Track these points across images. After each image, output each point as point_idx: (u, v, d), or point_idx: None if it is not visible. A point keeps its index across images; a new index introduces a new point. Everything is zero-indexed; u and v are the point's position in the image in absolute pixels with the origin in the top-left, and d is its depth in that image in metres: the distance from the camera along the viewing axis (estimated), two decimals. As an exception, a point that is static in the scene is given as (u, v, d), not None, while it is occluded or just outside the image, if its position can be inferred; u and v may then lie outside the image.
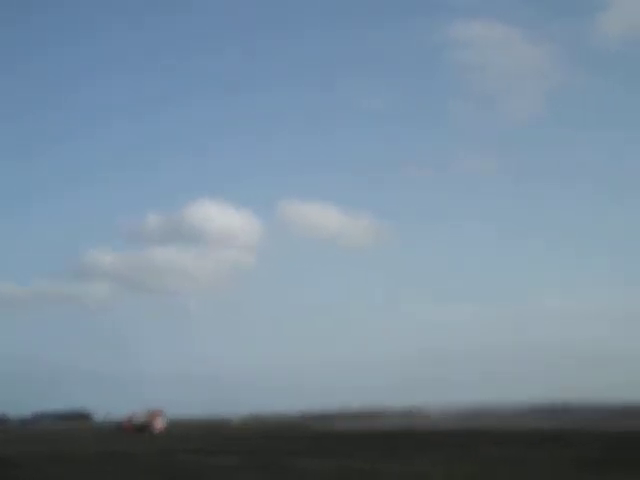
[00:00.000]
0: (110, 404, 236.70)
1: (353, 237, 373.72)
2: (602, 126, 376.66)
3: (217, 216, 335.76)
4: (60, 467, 39.57)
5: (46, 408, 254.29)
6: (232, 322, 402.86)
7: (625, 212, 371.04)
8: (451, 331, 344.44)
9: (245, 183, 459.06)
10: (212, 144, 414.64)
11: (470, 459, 39.02)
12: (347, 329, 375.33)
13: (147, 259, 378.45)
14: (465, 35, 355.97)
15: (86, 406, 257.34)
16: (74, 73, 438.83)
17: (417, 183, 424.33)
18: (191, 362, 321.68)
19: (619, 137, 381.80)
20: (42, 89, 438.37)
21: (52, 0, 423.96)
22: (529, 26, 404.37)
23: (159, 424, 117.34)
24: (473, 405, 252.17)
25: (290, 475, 32.20)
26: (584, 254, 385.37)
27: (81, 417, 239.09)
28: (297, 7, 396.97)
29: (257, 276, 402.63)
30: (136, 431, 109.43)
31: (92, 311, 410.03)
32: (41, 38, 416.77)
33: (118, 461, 47.57)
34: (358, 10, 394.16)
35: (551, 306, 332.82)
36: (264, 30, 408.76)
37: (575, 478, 27.68)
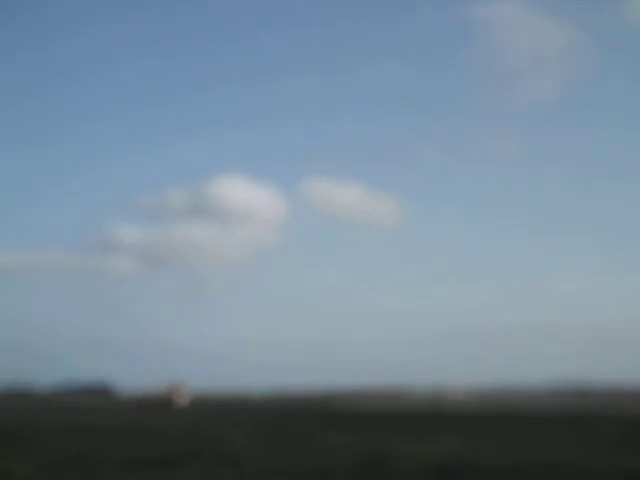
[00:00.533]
0: (133, 377, 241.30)
1: (376, 217, 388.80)
2: (620, 112, 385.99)
3: (241, 193, 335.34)
4: (81, 439, 39.86)
5: (70, 380, 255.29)
6: (254, 299, 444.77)
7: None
8: (471, 312, 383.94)
9: (270, 160, 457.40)
10: (237, 122, 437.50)
11: (492, 439, 39.36)
12: (368, 309, 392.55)
13: (173, 235, 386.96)
14: (489, 15, 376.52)
15: (109, 379, 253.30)
16: (103, 51, 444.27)
17: (437, 166, 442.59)
18: (212, 337, 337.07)
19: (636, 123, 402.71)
20: (69, 68, 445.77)
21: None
22: (553, 9, 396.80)
23: (181, 398, 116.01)
24: (494, 384, 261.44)
25: (315, 449, 32.35)
26: (601, 238, 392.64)
27: (103, 390, 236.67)
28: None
29: (280, 254, 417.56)
30: (160, 406, 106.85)
31: (114, 284, 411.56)
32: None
33: (137, 434, 47.97)
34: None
35: (567, 289, 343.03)
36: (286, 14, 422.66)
37: (602, 459, 27.31)
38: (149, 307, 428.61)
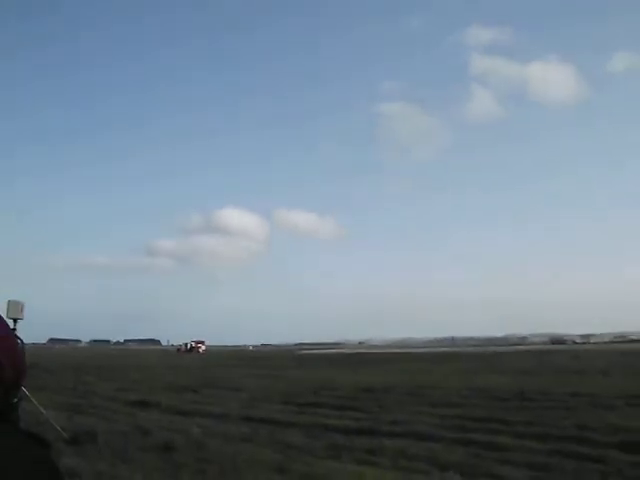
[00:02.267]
0: (172, 336, 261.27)
1: (323, 232, 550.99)
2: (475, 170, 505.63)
3: (238, 218, 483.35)
4: (137, 370, 42.91)
5: (133, 336, 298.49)
6: (249, 284, 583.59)
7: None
8: (385, 291, 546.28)
9: (255, 197, 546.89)
10: (236, 171, 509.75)
11: (400, 369, 42.11)
12: (320, 290, 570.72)
13: (196, 244, 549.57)
14: (388, 111, 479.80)
15: (157, 336, 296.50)
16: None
17: (362, 201, 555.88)
18: (222, 310, 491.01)
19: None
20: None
21: None
22: (429, 106, 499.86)
23: (202, 348, 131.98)
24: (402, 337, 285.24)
25: (281, 380, 33.92)
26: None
27: (154, 342, 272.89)
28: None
29: (264, 256, 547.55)
30: (187, 352, 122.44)
31: (159, 277, 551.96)
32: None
33: (176, 366, 52.28)
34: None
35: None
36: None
37: (464, 379, 30.74)
38: (182, 291, 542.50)
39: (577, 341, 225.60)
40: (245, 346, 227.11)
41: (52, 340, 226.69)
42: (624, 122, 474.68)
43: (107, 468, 9.60)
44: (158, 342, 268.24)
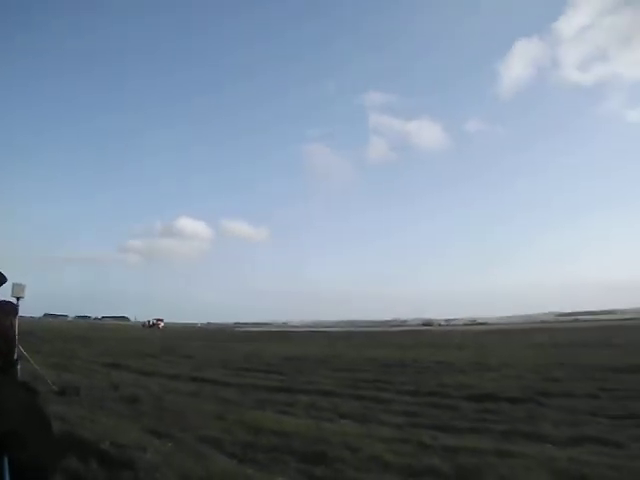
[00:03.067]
0: (139, 314, 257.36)
1: (256, 237, 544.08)
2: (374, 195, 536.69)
3: (190, 224, 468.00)
4: (111, 340, 41.39)
5: (108, 314, 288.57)
6: (198, 275, 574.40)
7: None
8: (303, 283, 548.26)
9: (204, 206, 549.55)
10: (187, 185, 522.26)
11: (312, 344, 42.23)
12: (255, 281, 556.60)
13: (158, 244, 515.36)
14: (309, 149, 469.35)
15: (127, 314, 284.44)
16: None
17: (285, 216, 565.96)
18: (177, 295, 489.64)
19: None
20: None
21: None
22: (341, 149, 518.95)
23: (161, 324, 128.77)
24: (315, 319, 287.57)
25: (222, 350, 33.71)
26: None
27: (124, 319, 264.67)
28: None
29: (210, 255, 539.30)
30: (150, 327, 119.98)
31: (132, 266, 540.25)
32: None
33: (141, 338, 50.68)
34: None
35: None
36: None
37: (359, 351, 31.35)
38: (147, 279, 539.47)
39: (442, 324, 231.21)
40: (194, 324, 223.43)
41: (46, 315, 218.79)
42: (476, 165, 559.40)
43: (87, 414, 9.44)
44: (127, 319, 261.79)
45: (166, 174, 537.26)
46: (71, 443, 6.80)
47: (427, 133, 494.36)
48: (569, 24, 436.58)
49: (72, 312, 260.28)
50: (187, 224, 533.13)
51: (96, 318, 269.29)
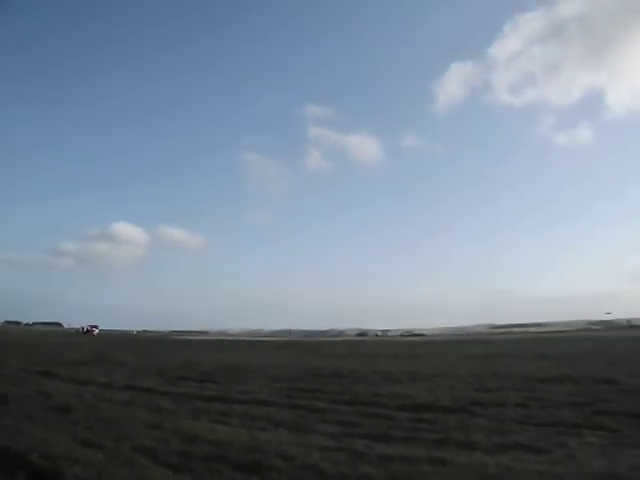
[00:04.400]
0: (72, 320, 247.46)
1: (193, 245, 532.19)
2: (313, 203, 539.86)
3: (127, 230, 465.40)
4: (43, 347, 40.16)
5: (40, 319, 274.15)
6: (133, 279, 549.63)
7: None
8: (240, 291, 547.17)
9: (141, 211, 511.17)
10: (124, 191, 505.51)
11: (250, 353, 41.84)
12: (191, 288, 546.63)
13: (93, 248, 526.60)
14: (248, 159, 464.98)
15: (60, 320, 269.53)
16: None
17: (223, 226, 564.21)
18: (112, 301, 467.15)
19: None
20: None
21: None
22: (280, 160, 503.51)
23: (95, 331, 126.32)
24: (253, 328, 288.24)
25: (157, 358, 33.08)
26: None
27: (57, 325, 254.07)
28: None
29: (145, 260, 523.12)
30: (84, 333, 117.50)
31: (66, 271, 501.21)
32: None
33: (75, 344, 48.57)
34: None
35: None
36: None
37: (296, 361, 31.41)
38: (81, 284, 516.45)
39: (378, 334, 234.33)
40: (130, 331, 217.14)
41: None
42: (410, 179, 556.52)
43: (15, 424, 9.08)
44: (60, 325, 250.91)
45: (100, 178, 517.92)
46: (-3, 455, 6.57)
47: (365, 147, 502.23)
48: (501, 50, 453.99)
49: (0, 317, 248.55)
50: (123, 229, 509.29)
51: (27, 324, 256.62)
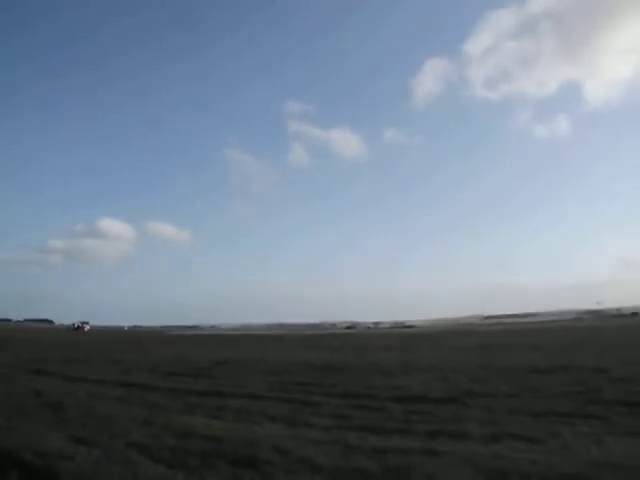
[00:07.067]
0: (63, 316, 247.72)
1: (179, 240, 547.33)
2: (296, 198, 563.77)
3: (114, 226, 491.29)
4: (34, 344, 39.76)
5: (31, 316, 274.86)
6: (122, 275, 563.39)
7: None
8: (230, 286, 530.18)
9: (128, 207, 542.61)
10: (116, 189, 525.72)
11: (242, 347, 41.70)
12: (181, 283, 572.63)
13: (81, 245, 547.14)
14: (231, 156, 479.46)
15: (51, 317, 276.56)
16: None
17: (208, 221, 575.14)
18: (104, 296, 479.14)
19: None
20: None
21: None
22: (262, 155, 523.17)
23: (86, 328, 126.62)
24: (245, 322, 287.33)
25: (156, 355, 32.80)
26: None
27: (48, 322, 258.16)
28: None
29: (132, 255, 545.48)
30: (75, 330, 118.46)
31: (54, 267, 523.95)
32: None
33: (66, 341, 48.12)
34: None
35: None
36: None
37: (289, 354, 31.10)
38: (70, 280, 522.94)
39: (369, 326, 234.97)
40: (121, 327, 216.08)
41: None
42: (389, 173, 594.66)
43: (7, 422, 8.99)
44: (52, 322, 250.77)
45: (87, 174, 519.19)
46: (-11, 453, 6.50)
47: (346, 141, 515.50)
48: (475, 46, 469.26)
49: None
50: (111, 225, 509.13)
51: (18, 321, 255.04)
